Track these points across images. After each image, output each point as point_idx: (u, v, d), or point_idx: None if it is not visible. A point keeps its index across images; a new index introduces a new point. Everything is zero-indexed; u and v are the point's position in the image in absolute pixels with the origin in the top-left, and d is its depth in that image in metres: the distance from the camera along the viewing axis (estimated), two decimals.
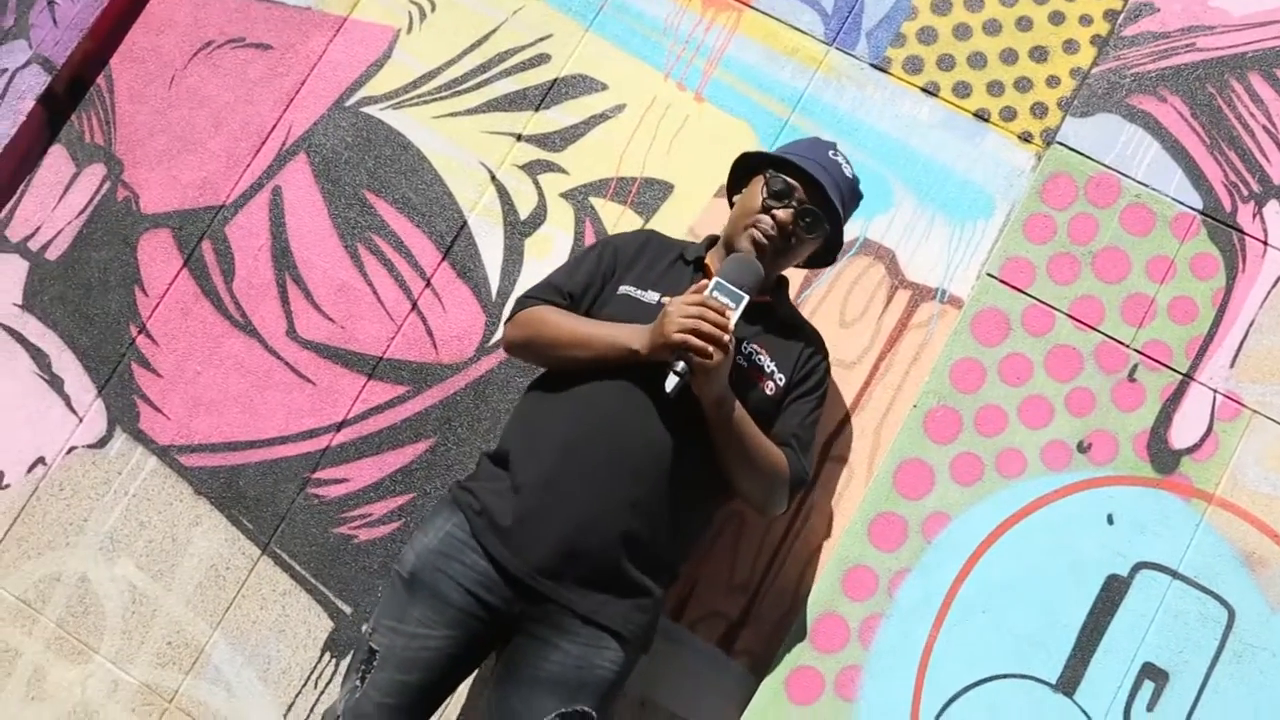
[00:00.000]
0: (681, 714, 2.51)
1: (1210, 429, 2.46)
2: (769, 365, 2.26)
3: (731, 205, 2.40)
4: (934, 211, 2.66)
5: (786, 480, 2.25)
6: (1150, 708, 2.36)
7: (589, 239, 2.71)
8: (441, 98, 2.84)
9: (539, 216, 2.75)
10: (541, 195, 2.76)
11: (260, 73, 2.89)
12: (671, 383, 2.02)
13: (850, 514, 2.51)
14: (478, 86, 2.83)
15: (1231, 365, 2.48)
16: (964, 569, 2.45)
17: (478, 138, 2.80)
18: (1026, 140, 2.65)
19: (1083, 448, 2.48)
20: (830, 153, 2.32)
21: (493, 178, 2.78)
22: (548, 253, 2.71)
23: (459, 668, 2.17)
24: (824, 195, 2.24)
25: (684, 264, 2.32)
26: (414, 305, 2.74)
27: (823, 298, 2.63)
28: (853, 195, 2.34)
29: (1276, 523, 2.40)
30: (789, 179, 2.24)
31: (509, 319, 2.31)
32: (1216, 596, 2.39)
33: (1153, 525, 2.43)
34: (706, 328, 2.01)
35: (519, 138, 2.79)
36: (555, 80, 2.81)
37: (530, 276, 2.68)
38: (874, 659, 2.43)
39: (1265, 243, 2.51)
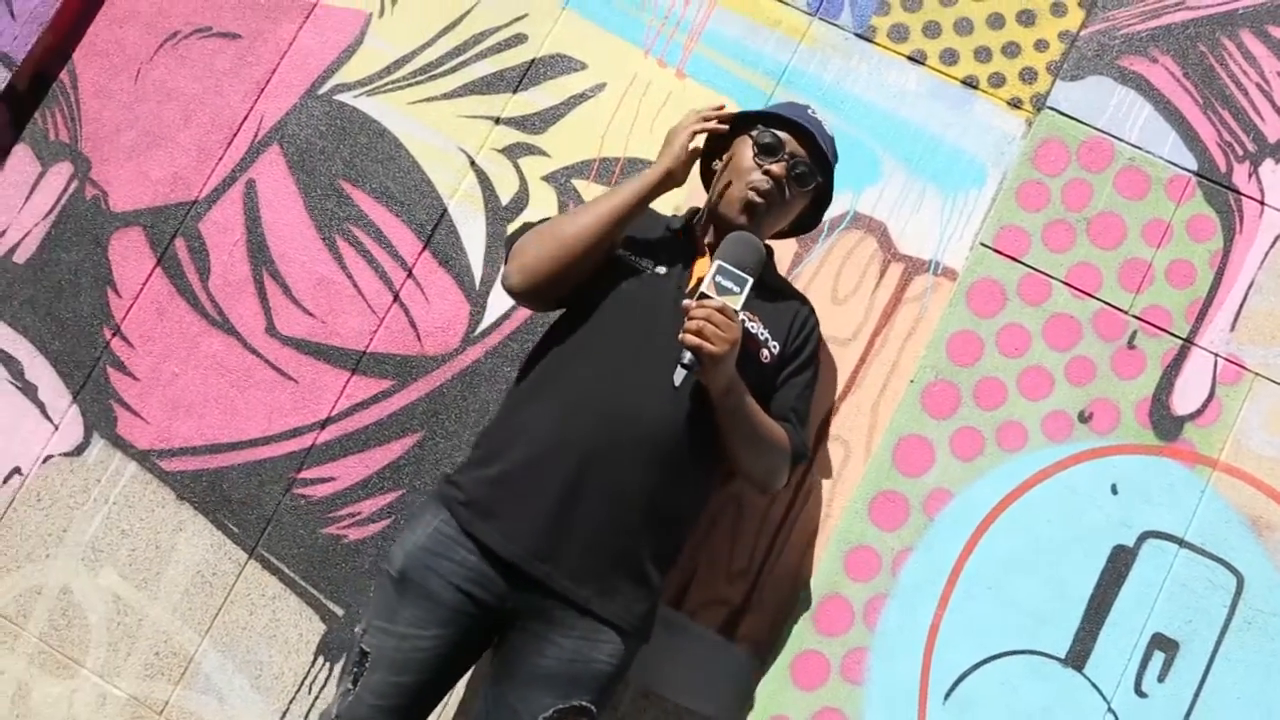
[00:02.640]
0: (685, 703, 2.46)
1: (1212, 393, 2.42)
2: (763, 333, 2.20)
3: (705, 176, 2.34)
4: (925, 182, 2.60)
5: (788, 457, 2.21)
6: (1161, 678, 2.33)
7: None
8: (417, 83, 2.76)
9: (521, 201, 2.68)
10: (523, 179, 2.69)
11: (229, 63, 2.80)
12: (680, 376, 1.95)
13: (850, 494, 2.46)
14: (453, 70, 2.75)
15: (1232, 328, 2.43)
16: (968, 545, 2.41)
17: (455, 122, 2.73)
18: (1016, 106, 2.60)
19: (1084, 417, 2.43)
20: (810, 111, 2.29)
21: (472, 163, 2.71)
22: None
23: (453, 667, 2.11)
24: (812, 145, 2.21)
25: (672, 235, 2.26)
26: (396, 297, 2.67)
27: (814, 274, 2.58)
28: (835, 152, 2.31)
29: None
30: (778, 133, 2.21)
31: (507, 260, 2.19)
32: (1224, 563, 2.35)
33: (1158, 494, 2.39)
34: (711, 329, 1.94)
35: (497, 121, 2.72)
36: (533, 61, 2.74)
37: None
38: (880, 640, 2.39)
39: (1262, 202, 2.47)
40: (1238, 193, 2.48)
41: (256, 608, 2.58)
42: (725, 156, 2.26)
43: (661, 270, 2.17)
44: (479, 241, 2.67)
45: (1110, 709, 2.32)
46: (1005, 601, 2.38)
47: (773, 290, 2.28)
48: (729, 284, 1.99)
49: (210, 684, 2.57)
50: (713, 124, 2.16)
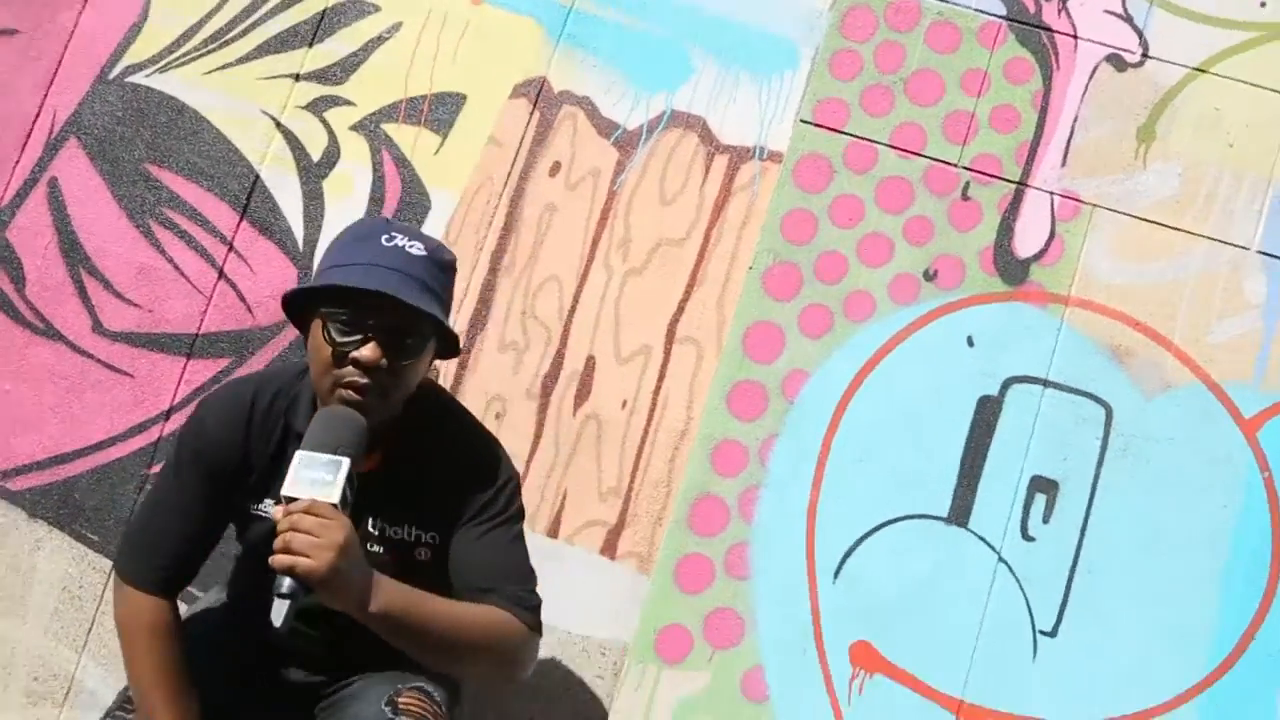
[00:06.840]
0: (577, 630, 2.39)
1: (1053, 231, 2.39)
2: (408, 533, 1.81)
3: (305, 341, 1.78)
4: (738, 70, 2.54)
5: (511, 642, 1.72)
6: (1046, 520, 2.30)
7: (388, 168, 2.56)
8: (209, 51, 2.65)
9: (333, 155, 2.59)
10: (331, 133, 2.60)
11: (11, 60, 2.67)
12: (280, 611, 1.47)
13: (706, 391, 2.41)
14: (244, 32, 2.65)
15: (1063, 164, 2.41)
16: (832, 422, 2.36)
17: (255, 86, 2.63)
18: None
19: (929, 275, 2.39)
20: (384, 239, 1.70)
21: (277, 124, 2.61)
22: (349, 191, 2.56)
23: None
24: (401, 301, 1.64)
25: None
26: (221, 273, 2.57)
27: (639, 178, 2.51)
28: (440, 270, 1.74)
29: (1136, 310, 2.34)
30: (349, 310, 1.66)
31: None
32: (1090, 395, 2.33)
33: (1014, 339, 2.36)
34: (300, 538, 1.49)
35: (297, 77, 2.63)
36: (324, 11, 2.64)
37: (334, 219, 2.55)
38: (759, 532, 2.34)
39: (1075, 36, 2.44)
40: (1050, 30, 2.45)
41: None
42: (309, 338, 1.72)
43: (269, 504, 1.80)
44: (296, 202, 2.58)
45: (1001, 558, 2.29)
46: (879, 471, 2.34)
47: (419, 473, 1.79)
48: (319, 474, 1.53)
49: (95, 699, 2.47)
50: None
